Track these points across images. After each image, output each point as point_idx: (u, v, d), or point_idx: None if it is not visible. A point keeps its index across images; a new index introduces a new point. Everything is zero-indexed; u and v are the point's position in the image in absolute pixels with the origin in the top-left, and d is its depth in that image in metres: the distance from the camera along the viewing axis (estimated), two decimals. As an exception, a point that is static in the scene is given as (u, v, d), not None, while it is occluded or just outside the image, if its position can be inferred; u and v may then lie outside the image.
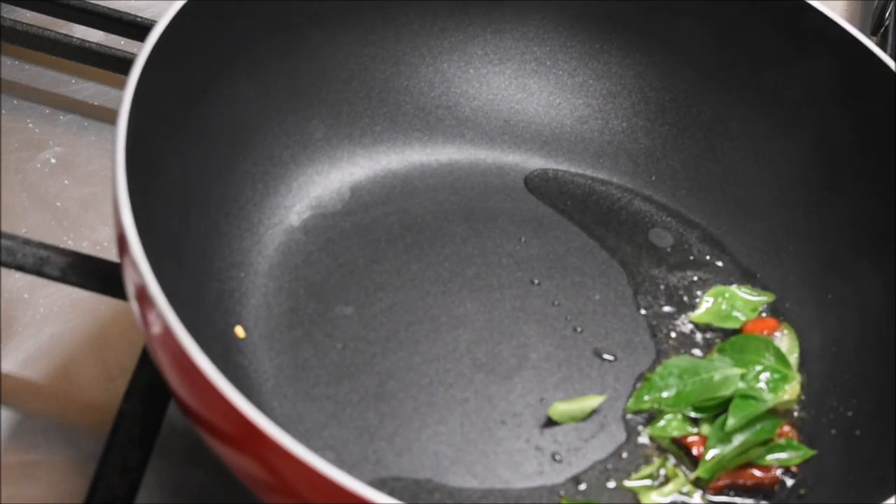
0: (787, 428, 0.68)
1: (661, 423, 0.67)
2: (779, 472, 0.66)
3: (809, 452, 0.67)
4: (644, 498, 0.65)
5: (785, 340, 0.72)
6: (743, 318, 0.73)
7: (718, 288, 0.74)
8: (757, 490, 0.66)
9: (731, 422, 0.66)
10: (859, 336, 0.71)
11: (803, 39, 0.75)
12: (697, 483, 0.65)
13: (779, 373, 0.69)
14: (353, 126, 0.77)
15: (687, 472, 0.65)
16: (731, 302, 0.73)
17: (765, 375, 0.69)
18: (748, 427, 0.66)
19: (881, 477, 0.63)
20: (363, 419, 0.65)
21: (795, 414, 0.69)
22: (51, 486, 0.65)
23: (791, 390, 0.69)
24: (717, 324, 0.72)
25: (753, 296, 0.74)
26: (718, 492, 0.65)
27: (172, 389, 0.58)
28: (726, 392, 0.67)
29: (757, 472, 0.66)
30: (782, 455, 0.66)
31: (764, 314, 0.74)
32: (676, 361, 0.69)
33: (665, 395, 0.68)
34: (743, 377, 0.68)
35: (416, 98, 0.79)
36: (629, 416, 0.68)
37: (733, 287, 0.74)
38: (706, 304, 0.73)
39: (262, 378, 0.66)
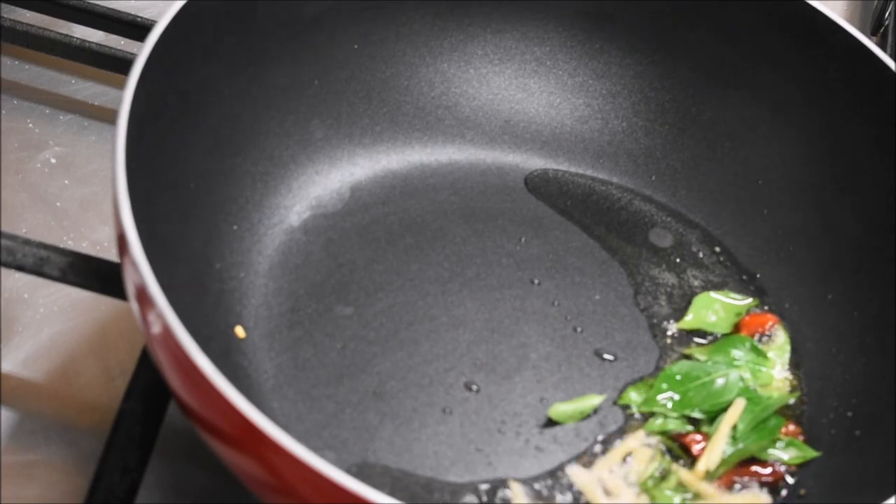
0: (791, 427, 0.68)
1: (660, 421, 0.67)
2: (782, 468, 0.66)
3: (812, 453, 0.67)
4: (644, 496, 0.65)
5: (779, 337, 0.72)
6: (727, 323, 0.72)
7: (703, 296, 0.74)
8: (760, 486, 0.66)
9: (741, 427, 0.66)
10: (859, 336, 0.71)
11: (803, 39, 0.75)
12: (697, 481, 0.65)
13: (755, 363, 0.69)
14: (353, 126, 0.77)
15: (686, 469, 0.65)
16: (714, 308, 0.73)
17: (745, 372, 0.69)
18: (754, 428, 0.66)
19: (881, 477, 0.63)
20: (363, 419, 0.65)
21: (797, 413, 0.69)
22: (51, 486, 0.65)
23: (780, 382, 0.70)
24: (705, 329, 0.72)
25: (737, 300, 0.74)
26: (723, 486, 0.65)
27: (172, 389, 0.58)
28: (729, 397, 0.68)
29: (760, 470, 0.66)
30: (785, 454, 0.66)
31: (766, 308, 0.74)
32: (677, 367, 0.69)
33: (666, 401, 0.68)
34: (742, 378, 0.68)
35: (416, 98, 0.79)
36: (628, 414, 0.68)
37: (713, 293, 0.74)
38: (692, 313, 0.73)
39: (262, 378, 0.66)
